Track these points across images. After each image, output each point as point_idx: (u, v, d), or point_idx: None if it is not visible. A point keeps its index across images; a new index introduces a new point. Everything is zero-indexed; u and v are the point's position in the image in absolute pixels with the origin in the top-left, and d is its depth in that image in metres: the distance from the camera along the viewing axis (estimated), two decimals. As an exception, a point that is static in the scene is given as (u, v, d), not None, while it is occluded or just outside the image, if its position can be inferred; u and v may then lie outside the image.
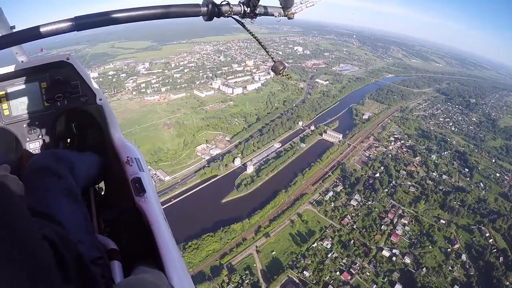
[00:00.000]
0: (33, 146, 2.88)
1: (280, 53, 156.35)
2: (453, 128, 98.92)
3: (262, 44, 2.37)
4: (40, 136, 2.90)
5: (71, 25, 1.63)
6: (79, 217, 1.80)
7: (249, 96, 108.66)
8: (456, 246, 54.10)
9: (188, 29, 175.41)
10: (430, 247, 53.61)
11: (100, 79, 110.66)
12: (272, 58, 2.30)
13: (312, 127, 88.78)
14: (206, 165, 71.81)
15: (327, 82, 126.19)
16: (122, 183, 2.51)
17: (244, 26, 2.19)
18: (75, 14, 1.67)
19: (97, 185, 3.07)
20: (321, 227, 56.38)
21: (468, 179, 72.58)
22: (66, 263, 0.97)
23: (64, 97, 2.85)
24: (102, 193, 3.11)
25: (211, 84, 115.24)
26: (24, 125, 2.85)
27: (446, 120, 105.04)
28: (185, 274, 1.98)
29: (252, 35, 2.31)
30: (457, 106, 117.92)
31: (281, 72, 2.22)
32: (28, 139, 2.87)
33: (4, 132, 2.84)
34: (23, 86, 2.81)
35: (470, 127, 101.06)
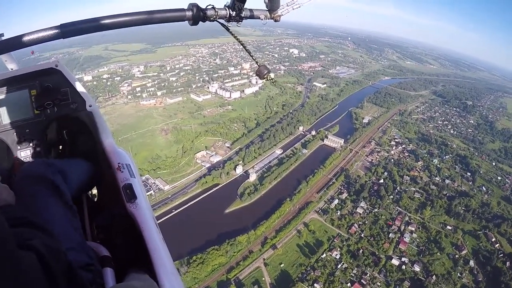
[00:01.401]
0: (24, 154, 2.82)
1: (276, 55, 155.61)
2: (452, 131, 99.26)
3: (246, 48, 2.38)
4: (31, 144, 2.86)
5: (57, 33, 1.67)
6: (71, 225, 1.79)
7: (247, 100, 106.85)
8: (464, 252, 53.76)
9: (182, 31, 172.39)
10: (438, 254, 53.09)
11: (94, 83, 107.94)
12: (256, 62, 2.28)
13: (313, 132, 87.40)
14: (207, 173, 69.51)
15: (325, 85, 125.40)
16: (114, 189, 2.46)
17: (228, 30, 2.14)
18: (60, 22, 1.74)
19: (90, 192, 3.03)
20: (328, 236, 54.90)
21: (470, 183, 72.65)
22: (54, 275, 0.97)
23: (54, 104, 2.79)
24: (95, 199, 3.06)
25: (208, 87, 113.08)
26: (15, 133, 2.80)
27: (444, 123, 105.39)
28: (177, 279, 1.96)
29: (237, 39, 2.26)
30: (454, 109, 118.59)
31: (265, 76, 2.18)
32: (19, 147, 2.82)
33: None
34: (12, 94, 2.75)
35: (469, 130, 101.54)
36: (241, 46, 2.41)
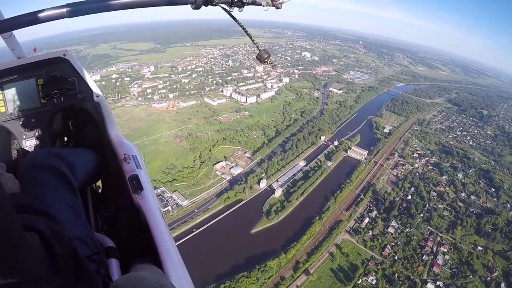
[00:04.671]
0: (30, 143, 2.81)
1: (289, 58, 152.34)
2: (471, 143, 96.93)
3: (248, 32, 2.35)
4: (36, 134, 2.84)
5: (62, 12, 1.66)
6: (76, 215, 1.79)
7: (264, 105, 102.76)
8: (495, 274, 51.79)
9: (191, 31, 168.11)
10: (471, 276, 50.93)
11: (103, 83, 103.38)
12: (257, 46, 2.34)
13: (336, 142, 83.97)
14: (229, 187, 65.43)
15: (341, 91, 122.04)
16: (120, 180, 2.46)
17: (231, 14, 2.14)
18: (66, 1, 1.72)
19: (94, 183, 2.96)
20: (362, 259, 52.00)
21: (495, 199, 70.46)
22: (56, 255, 0.97)
23: (61, 94, 2.78)
24: (100, 190, 3.05)
25: (222, 91, 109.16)
26: (21, 123, 2.78)
27: (463, 133, 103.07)
28: (183, 270, 1.99)
29: (239, 23, 2.29)
30: (471, 118, 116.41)
31: (265, 60, 2.23)
32: (24, 137, 2.80)
33: (0, 129, 2.77)
34: (19, 83, 2.72)
35: (487, 141, 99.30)
36: (243, 30, 2.35)
